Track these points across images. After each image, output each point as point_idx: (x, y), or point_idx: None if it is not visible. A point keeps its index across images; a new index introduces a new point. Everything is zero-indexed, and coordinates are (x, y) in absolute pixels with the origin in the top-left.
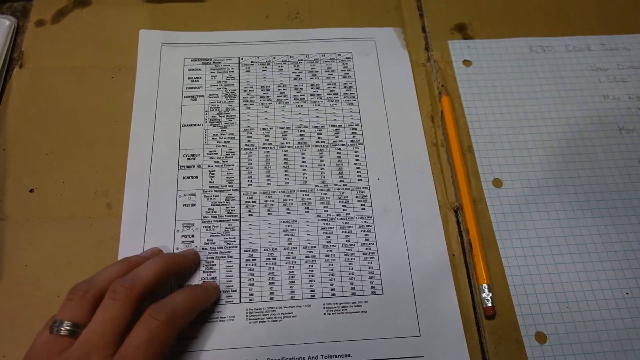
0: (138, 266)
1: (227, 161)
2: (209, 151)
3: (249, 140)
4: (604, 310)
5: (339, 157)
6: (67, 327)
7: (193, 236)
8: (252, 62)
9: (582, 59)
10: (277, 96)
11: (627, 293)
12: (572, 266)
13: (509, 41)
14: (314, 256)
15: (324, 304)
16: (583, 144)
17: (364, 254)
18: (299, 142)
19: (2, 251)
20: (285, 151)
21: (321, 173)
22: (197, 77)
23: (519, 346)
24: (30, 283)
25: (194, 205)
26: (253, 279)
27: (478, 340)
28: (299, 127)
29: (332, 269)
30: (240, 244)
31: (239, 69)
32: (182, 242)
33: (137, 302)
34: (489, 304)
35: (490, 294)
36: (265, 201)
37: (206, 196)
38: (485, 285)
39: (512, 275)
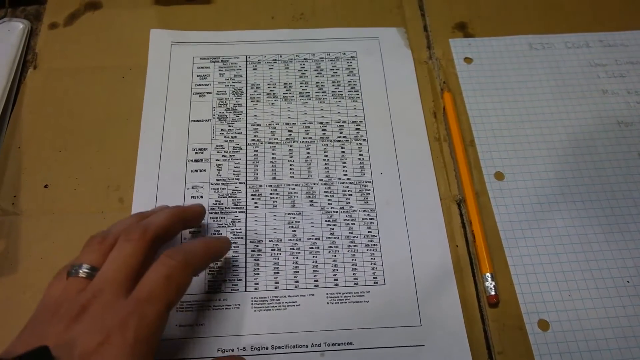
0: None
1: (234, 155)
2: (217, 145)
3: (255, 136)
4: (605, 298)
5: (342, 152)
6: (85, 270)
7: (200, 227)
8: (259, 60)
9: (581, 55)
10: (283, 93)
11: (628, 281)
12: (574, 255)
13: (509, 39)
14: (318, 247)
15: (327, 294)
16: (583, 138)
17: (366, 245)
18: (304, 138)
19: (17, 245)
20: (290, 146)
21: (325, 167)
22: (205, 75)
23: (522, 333)
24: (45, 275)
25: (202, 197)
26: (258, 269)
27: (482, 328)
28: (304, 123)
29: (336, 260)
30: (246, 235)
31: (247, 67)
32: (190, 232)
33: (150, 244)
34: (492, 293)
35: (494, 283)
36: (271, 194)
37: (213, 188)
38: (488, 274)
39: (514, 265)
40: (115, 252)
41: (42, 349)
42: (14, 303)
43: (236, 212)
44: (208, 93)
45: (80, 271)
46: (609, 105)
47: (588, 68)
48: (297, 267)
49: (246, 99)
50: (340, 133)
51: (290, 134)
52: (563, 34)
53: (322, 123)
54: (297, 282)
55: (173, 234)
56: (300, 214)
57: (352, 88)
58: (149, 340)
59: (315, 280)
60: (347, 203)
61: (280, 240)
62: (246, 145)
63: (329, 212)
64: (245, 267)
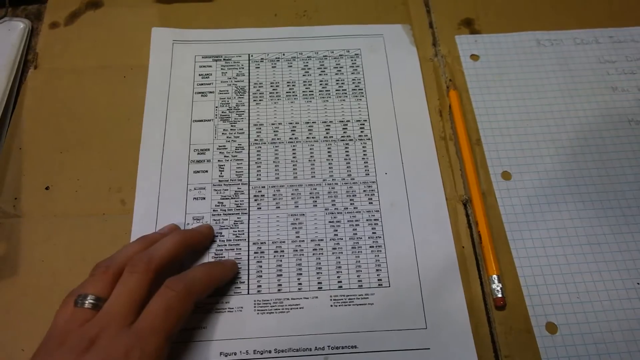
0: (155, 242)
1: (236, 156)
2: (219, 146)
3: (258, 136)
4: (615, 300)
5: (346, 152)
6: (91, 301)
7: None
8: (261, 58)
9: (590, 51)
10: (286, 92)
11: (638, 283)
12: (582, 257)
13: (517, 35)
14: (322, 249)
15: (331, 296)
16: (592, 137)
17: (370, 247)
18: (307, 137)
19: (19, 247)
20: (293, 146)
21: (329, 167)
22: (207, 74)
23: (530, 336)
24: (46, 278)
25: (204, 198)
26: (261, 271)
27: (488, 331)
28: (308, 123)
29: (339, 262)
30: (249, 237)
31: (249, 66)
32: None
33: (155, 275)
34: (499, 295)
35: (500, 285)
36: (274, 195)
37: (216, 190)
38: (495, 276)
39: (522, 267)
40: (120, 285)
41: None
42: (15, 306)
43: (239, 213)
44: (210, 92)
45: (86, 302)
46: (619, 102)
47: (597, 65)
48: (300, 269)
49: (249, 98)
50: (344, 132)
51: (293, 134)
52: (572, 30)
53: (325, 122)
54: (300, 284)
55: (179, 261)
56: (303, 215)
57: (356, 86)
58: None
59: (319, 283)
60: (351, 204)
61: (284, 242)
62: (249, 146)
63: (332, 213)
64: (248, 269)
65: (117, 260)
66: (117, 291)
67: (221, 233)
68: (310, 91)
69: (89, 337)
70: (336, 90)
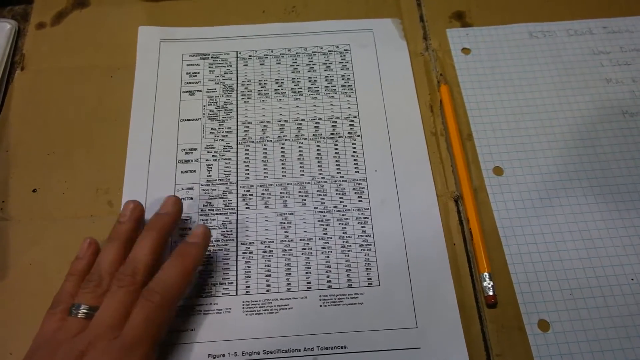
0: (131, 237)
1: (224, 155)
2: (207, 145)
3: (246, 134)
4: (609, 297)
5: (336, 149)
6: (84, 311)
7: (190, 229)
8: (249, 56)
9: (584, 42)
10: (275, 89)
11: (632, 279)
12: (576, 252)
13: (509, 27)
14: (311, 248)
15: (320, 296)
16: (586, 129)
17: (360, 245)
18: (296, 135)
19: (6, 251)
20: (282, 144)
21: (318, 165)
22: (195, 72)
23: (522, 334)
24: (34, 282)
25: (192, 198)
26: (249, 272)
27: (480, 329)
28: (296, 120)
29: (329, 261)
30: (237, 237)
31: (237, 63)
32: (180, 234)
33: (140, 285)
34: (490, 293)
35: (492, 283)
36: (262, 194)
37: (204, 189)
38: (486, 274)
39: (513, 264)
40: (109, 298)
41: None
42: (4, 310)
43: (227, 213)
44: (198, 91)
45: (80, 312)
46: (613, 94)
47: (591, 56)
48: (289, 269)
49: (237, 97)
50: (334, 129)
51: (282, 132)
52: (565, 21)
53: (314, 119)
54: (289, 284)
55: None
56: (292, 214)
57: (345, 82)
58: None
59: (308, 283)
60: (340, 202)
61: (272, 241)
62: (237, 144)
63: (322, 212)
64: (236, 269)
65: (105, 271)
66: (106, 304)
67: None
68: (299, 88)
69: (79, 349)
70: (325, 86)
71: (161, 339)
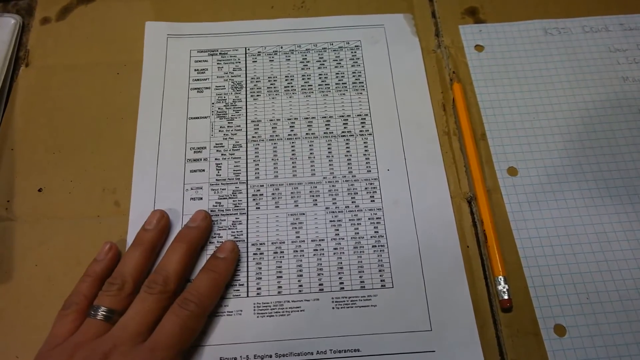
0: (155, 245)
1: (234, 154)
2: (216, 144)
3: (256, 132)
4: (626, 301)
5: (347, 148)
6: (103, 313)
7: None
8: (259, 52)
9: (600, 40)
10: (285, 87)
11: None
12: (592, 256)
13: (523, 24)
14: (322, 249)
15: (332, 298)
16: (602, 129)
17: (373, 246)
18: (306, 134)
19: (12, 252)
20: (292, 143)
21: (329, 164)
22: (203, 69)
23: (537, 339)
24: (40, 283)
25: (201, 199)
26: (260, 273)
27: (494, 334)
28: (307, 118)
29: (341, 262)
30: (247, 238)
31: (246, 60)
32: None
33: (172, 294)
34: (505, 297)
35: (507, 286)
36: (273, 194)
37: (213, 189)
38: (501, 277)
39: (529, 267)
40: (138, 303)
41: None
42: (9, 312)
43: (237, 213)
44: (206, 88)
45: (99, 314)
46: (629, 93)
47: (607, 54)
48: (300, 271)
49: (246, 94)
50: (345, 128)
51: (292, 130)
52: (580, 17)
53: (325, 117)
54: (301, 286)
55: (189, 272)
56: (303, 214)
57: (356, 79)
58: None
59: (320, 284)
60: (352, 202)
61: (283, 242)
62: (246, 143)
63: (333, 212)
64: (247, 271)
65: (129, 275)
66: (134, 309)
67: (219, 234)
68: (309, 85)
69: (102, 351)
70: (336, 84)
71: (187, 348)
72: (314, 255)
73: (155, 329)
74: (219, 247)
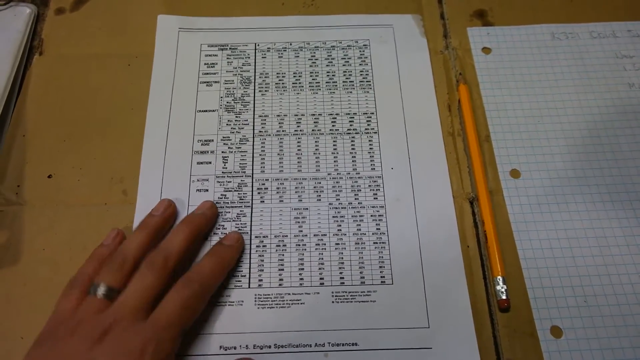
0: (160, 230)
1: (240, 147)
2: (223, 137)
3: (262, 127)
4: (624, 305)
5: (352, 145)
6: (104, 290)
7: None
8: (268, 48)
9: (607, 46)
10: (293, 83)
11: None
12: (591, 259)
13: (531, 28)
14: (324, 244)
15: (332, 292)
16: (606, 134)
17: (374, 243)
18: (312, 130)
19: (20, 236)
20: (298, 138)
21: (334, 161)
22: (213, 63)
23: (534, 340)
24: (47, 267)
25: (207, 190)
26: (263, 265)
27: (491, 333)
28: (314, 115)
29: (342, 258)
30: (251, 230)
31: (255, 55)
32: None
33: (171, 272)
34: (503, 297)
35: (505, 287)
36: (277, 188)
37: (219, 182)
38: (500, 277)
39: (528, 268)
40: (138, 280)
41: None
42: (16, 295)
43: (241, 206)
44: (215, 82)
45: (99, 291)
46: (635, 99)
47: (614, 60)
48: (302, 264)
49: (254, 89)
50: (351, 125)
51: (298, 126)
52: (588, 23)
53: (331, 114)
54: (302, 279)
55: (189, 253)
56: (307, 209)
57: (364, 78)
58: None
59: (320, 278)
60: (355, 199)
61: (286, 236)
62: (253, 137)
63: (336, 208)
64: (250, 263)
65: (130, 254)
66: (134, 285)
67: (223, 226)
68: (317, 82)
69: (103, 326)
70: (343, 82)
71: (188, 328)
72: (315, 249)
73: (158, 307)
74: (224, 236)
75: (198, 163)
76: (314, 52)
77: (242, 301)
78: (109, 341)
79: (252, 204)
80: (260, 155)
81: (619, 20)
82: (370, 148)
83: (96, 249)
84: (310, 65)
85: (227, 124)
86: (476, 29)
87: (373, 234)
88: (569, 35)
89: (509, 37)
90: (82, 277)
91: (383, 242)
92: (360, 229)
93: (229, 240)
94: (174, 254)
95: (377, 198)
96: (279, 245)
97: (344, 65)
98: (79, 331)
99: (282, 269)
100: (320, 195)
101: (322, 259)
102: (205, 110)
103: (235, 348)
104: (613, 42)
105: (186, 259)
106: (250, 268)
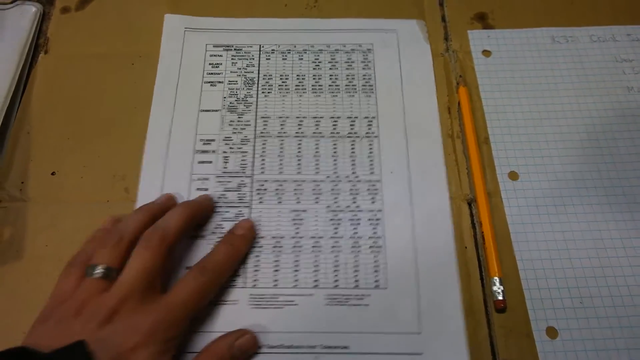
0: (158, 214)
1: (241, 148)
2: (225, 137)
3: (264, 128)
4: (619, 307)
5: (352, 149)
6: (102, 271)
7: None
8: (272, 50)
9: (607, 49)
10: (296, 85)
11: None
12: (588, 261)
13: (531, 31)
14: (320, 246)
15: (326, 295)
16: (604, 138)
17: (370, 247)
18: (313, 132)
19: (24, 232)
20: (299, 140)
21: (334, 164)
22: (217, 63)
23: (529, 340)
24: (50, 263)
25: (207, 189)
26: (259, 265)
27: (487, 334)
28: (315, 117)
29: (337, 261)
30: None
31: (259, 57)
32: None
33: (168, 250)
34: (500, 297)
35: (502, 287)
36: (277, 189)
37: (219, 181)
38: (496, 278)
39: (524, 269)
40: (136, 258)
41: (78, 344)
42: (18, 290)
43: (240, 206)
44: (219, 82)
45: (97, 272)
46: (634, 103)
47: (613, 63)
48: (297, 266)
49: (257, 90)
50: (351, 129)
51: (300, 128)
52: (588, 26)
53: (333, 118)
54: (296, 281)
55: (185, 235)
56: (304, 211)
57: (366, 82)
58: (175, 342)
59: (315, 280)
60: (353, 202)
61: (283, 237)
62: (254, 138)
63: (334, 211)
64: (246, 262)
65: (127, 232)
66: (132, 264)
67: (222, 225)
68: (319, 85)
69: (110, 307)
70: (346, 85)
71: (195, 316)
72: (311, 251)
73: (172, 290)
74: (236, 224)
75: (199, 162)
76: (318, 55)
77: (237, 300)
78: (120, 320)
79: (251, 204)
80: (260, 156)
81: (619, 24)
82: (370, 152)
83: (94, 232)
84: (314, 68)
85: (229, 124)
86: (477, 31)
87: (369, 237)
88: (569, 39)
89: (509, 40)
90: (80, 258)
91: (379, 247)
92: (357, 233)
93: (242, 229)
94: (171, 232)
95: (374, 202)
96: (276, 246)
97: (347, 68)
98: (84, 312)
99: (278, 270)
100: (318, 198)
101: (318, 261)
102: (208, 110)
103: None
104: (612, 46)
105: (181, 239)
106: (246, 268)
